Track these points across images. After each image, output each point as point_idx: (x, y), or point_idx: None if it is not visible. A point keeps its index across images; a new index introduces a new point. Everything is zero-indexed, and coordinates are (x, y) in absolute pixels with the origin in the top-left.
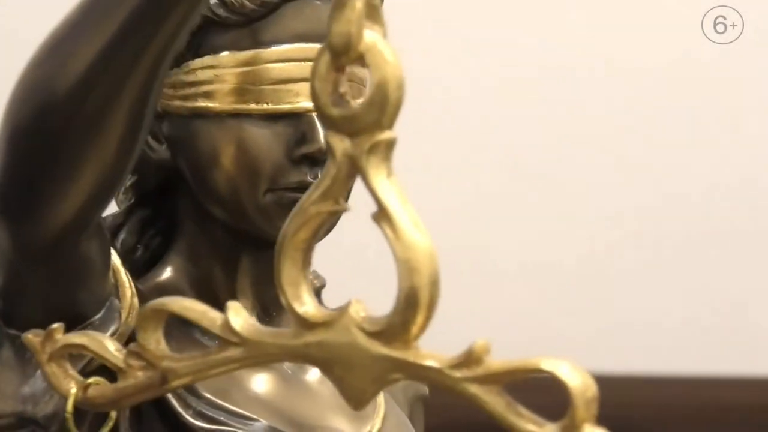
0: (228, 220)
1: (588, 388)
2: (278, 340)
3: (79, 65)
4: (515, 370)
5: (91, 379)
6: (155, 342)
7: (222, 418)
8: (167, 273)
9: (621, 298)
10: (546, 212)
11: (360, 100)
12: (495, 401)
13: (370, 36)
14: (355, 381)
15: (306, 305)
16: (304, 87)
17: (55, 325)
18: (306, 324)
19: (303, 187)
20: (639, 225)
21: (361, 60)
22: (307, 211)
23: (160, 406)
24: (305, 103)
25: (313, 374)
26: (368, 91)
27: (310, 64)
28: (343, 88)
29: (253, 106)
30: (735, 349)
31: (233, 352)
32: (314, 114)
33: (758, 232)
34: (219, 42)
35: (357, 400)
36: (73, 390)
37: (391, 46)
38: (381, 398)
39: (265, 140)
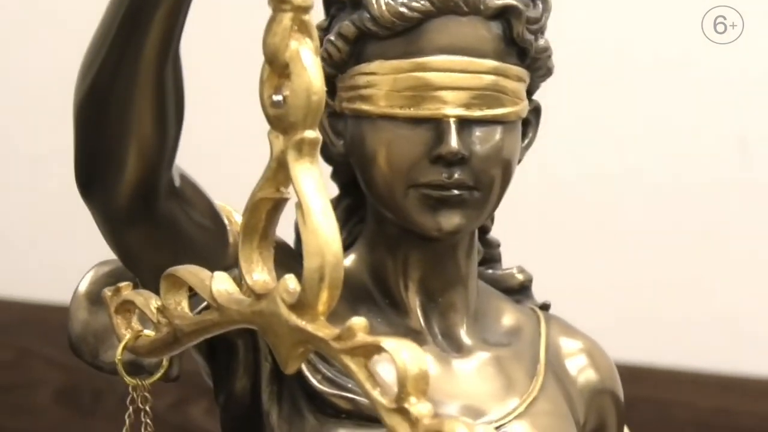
0: (389, 215)
1: (418, 367)
2: (239, 307)
3: (102, 54)
4: (370, 345)
5: (142, 331)
6: (174, 303)
7: (350, 386)
8: (350, 259)
9: None
10: None
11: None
12: (359, 371)
13: (294, 46)
14: (281, 347)
15: (255, 278)
16: (444, 94)
17: (123, 283)
18: (254, 294)
19: (439, 185)
20: None
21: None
22: (255, 196)
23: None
24: (445, 110)
25: (465, 357)
26: (289, 96)
27: (450, 73)
28: (286, 92)
29: (398, 110)
30: None
31: (212, 315)
32: (451, 119)
33: None
34: (372, 51)
35: (284, 364)
36: (126, 337)
37: (313, 56)
38: (538, 382)
39: (407, 142)
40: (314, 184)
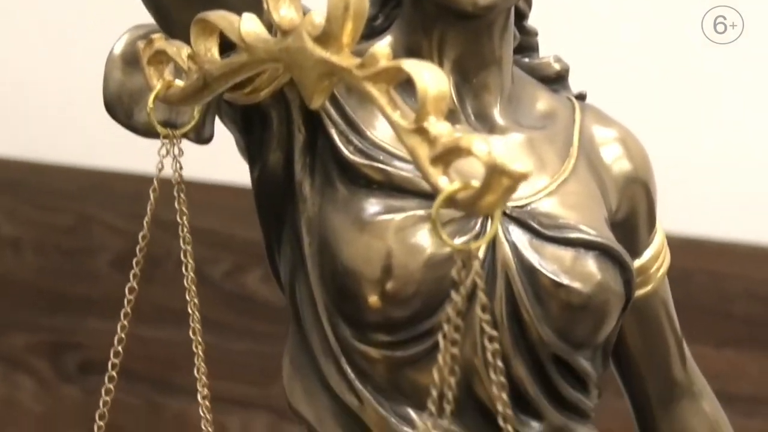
0: None
1: (438, 88)
2: (266, 46)
3: None
4: (391, 69)
5: (173, 81)
6: (204, 49)
7: (381, 157)
8: (386, 42)
9: None
10: None
11: None
12: (381, 96)
13: None
14: (306, 81)
15: (282, 15)
16: None
17: (156, 35)
18: (281, 30)
19: None
20: None
21: None
22: None
23: (329, 140)
24: None
25: (498, 136)
26: None
27: None
28: None
29: None
30: None
31: (240, 57)
32: None
33: None
34: None
35: (310, 98)
36: (158, 87)
37: None
38: (570, 164)
39: None
40: None
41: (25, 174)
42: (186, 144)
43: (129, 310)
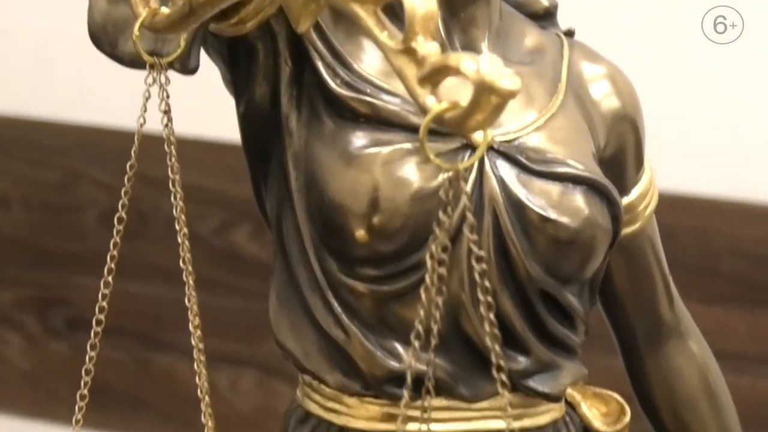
0: None
1: (426, 7)
2: None
3: None
4: None
5: (159, 9)
6: None
7: (368, 90)
8: None
9: None
10: None
11: None
12: (368, 17)
13: None
14: (292, 4)
15: None
16: None
17: None
18: None
19: None
20: None
21: None
22: None
23: (316, 73)
24: None
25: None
26: None
27: None
28: None
29: None
30: None
31: None
32: None
33: None
34: None
35: (297, 22)
36: (143, 15)
37: None
38: (558, 99)
39: None
40: None
41: (12, 130)
42: (175, 100)
43: (113, 266)
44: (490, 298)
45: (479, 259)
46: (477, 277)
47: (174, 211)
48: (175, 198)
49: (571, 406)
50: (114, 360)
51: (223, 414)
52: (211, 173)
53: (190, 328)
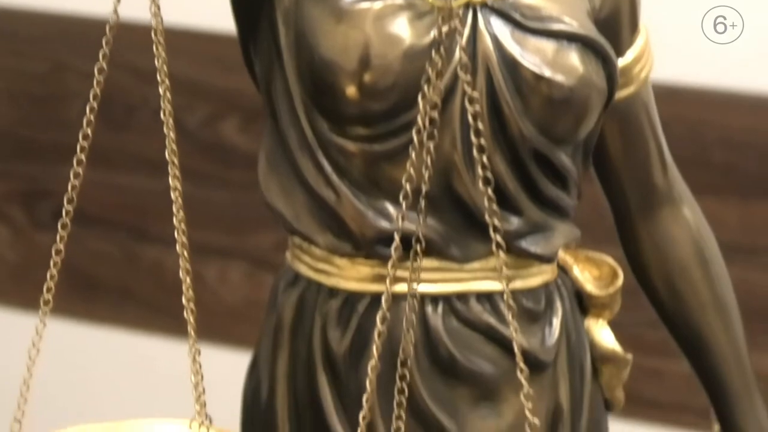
0: None
1: None
2: None
3: None
4: None
5: None
6: None
7: None
8: None
9: None
10: None
11: None
12: None
13: None
14: None
15: None
16: None
17: None
18: None
19: None
20: None
21: None
22: None
23: None
24: None
25: None
26: None
27: None
28: None
29: None
30: None
31: None
32: None
33: None
34: None
35: None
36: None
37: None
38: None
39: None
40: None
41: None
42: None
43: (86, 144)
44: (483, 141)
45: (471, 101)
46: (470, 119)
47: (161, 102)
48: (162, 89)
49: (564, 270)
50: (101, 252)
51: (212, 306)
52: (198, 64)
53: (174, 222)
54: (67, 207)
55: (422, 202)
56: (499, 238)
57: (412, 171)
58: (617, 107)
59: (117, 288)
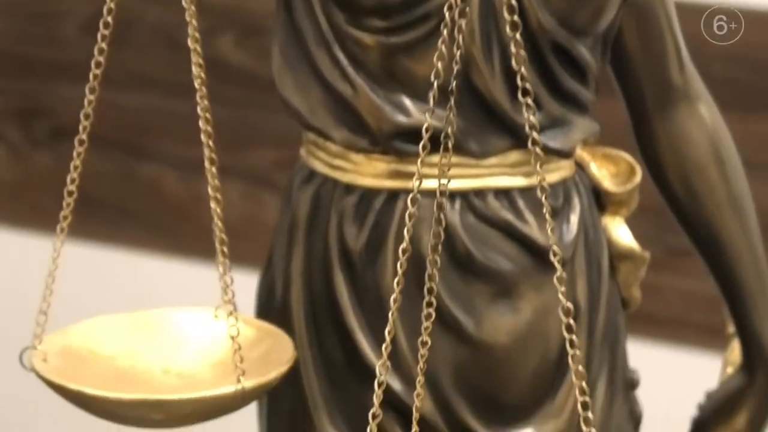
0: None
1: None
2: None
3: None
4: None
5: None
6: None
7: None
8: None
9: None
10: None
11: None
12: None
13: None
14: None
15: None
16: None
17: None
18: None
19: None
20: None
21: None
22: None
23: None
24: None
25: None
26: None
27: None
28: None
29: None
30: None
31: None
32: None
33: None
34: None
35: None
36: None
37: None
38: None
39: None
40: None
41: None
42: None
43: (98, 72)
44: (516, 17)
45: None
46: (506, 14)
47: (188, 30)
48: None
49: (581, 167)
50: (99, 170)
51: (210, 225)
52: None
53: (205, 152)
54: (84, 123)
55: (453, 83)
56: (535, 135)
57: (440, 63)
58: (636, 2)
59: (114, 206)
